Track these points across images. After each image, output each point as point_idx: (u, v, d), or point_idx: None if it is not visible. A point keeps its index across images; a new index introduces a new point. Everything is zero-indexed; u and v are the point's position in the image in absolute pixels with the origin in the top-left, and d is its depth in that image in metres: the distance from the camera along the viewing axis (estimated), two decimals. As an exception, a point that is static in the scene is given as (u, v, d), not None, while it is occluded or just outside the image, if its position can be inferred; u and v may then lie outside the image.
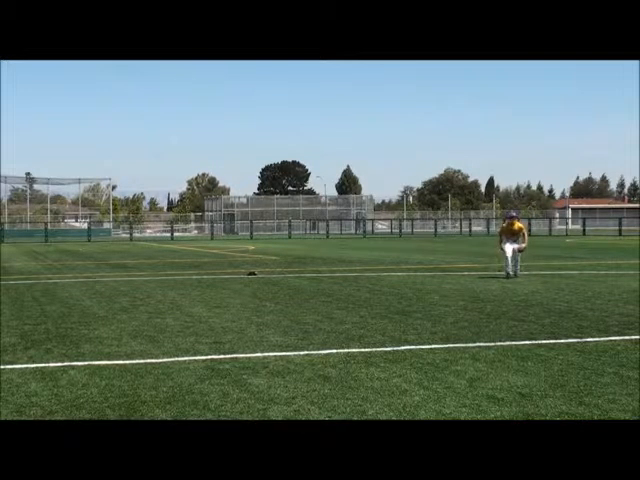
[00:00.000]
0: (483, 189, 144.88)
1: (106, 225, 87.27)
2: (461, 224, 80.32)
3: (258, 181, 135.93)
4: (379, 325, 10.75)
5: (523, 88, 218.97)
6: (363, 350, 8.79)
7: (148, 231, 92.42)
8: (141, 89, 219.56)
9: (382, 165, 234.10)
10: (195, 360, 8.27)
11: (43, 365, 8.09)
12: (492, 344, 9.11)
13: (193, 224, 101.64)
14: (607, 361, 8.04)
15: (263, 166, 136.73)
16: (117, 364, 8.07)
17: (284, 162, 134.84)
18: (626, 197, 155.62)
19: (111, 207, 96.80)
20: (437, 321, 11.08)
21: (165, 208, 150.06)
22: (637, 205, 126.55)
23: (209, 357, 8.43)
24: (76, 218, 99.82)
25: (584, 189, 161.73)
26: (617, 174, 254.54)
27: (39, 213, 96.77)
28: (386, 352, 8.65)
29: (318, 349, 8.88)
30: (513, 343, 9.19)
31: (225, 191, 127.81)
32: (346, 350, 8.79)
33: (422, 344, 9.13)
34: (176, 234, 75.23)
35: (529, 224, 71.02)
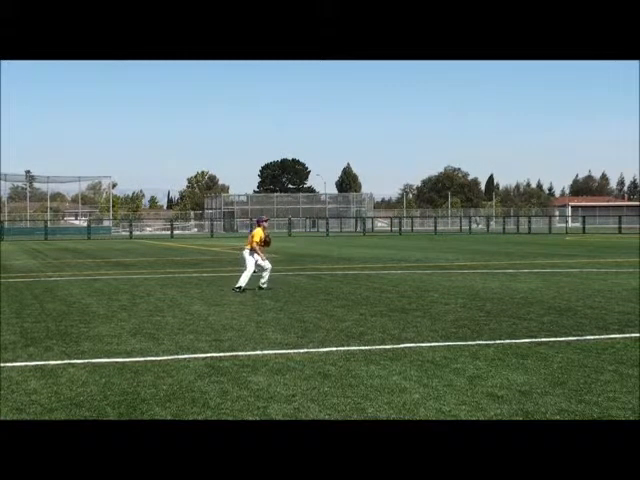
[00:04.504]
0: (483, 187, 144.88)
1: (106, 223, 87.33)
2: (461, 222, 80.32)
3: (258, 179, 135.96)
4: (379, 323, 10.76)
5: (523, 87, 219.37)
6: (363, 348, 8.80)
7: (148, 229, 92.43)
8: (141, 88, 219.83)
9: (382, 163, 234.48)
10: (195, 358, 8.28)
11: (43, 363, 8.09)
12: (492, 342, 9.12)
13: (193, 222, 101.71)
14: (607, 359, 8.05)
15: (263, 164, 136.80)
16: (117, 362, 8.08)
17: (284, 160, 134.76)
18: (626, 195, 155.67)
19: (111, 205, 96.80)
20: (437, 319, 11.09)
21: (165, 206, 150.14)
22: (637, 203, 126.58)
23: (209, 355, 8.44)
24: (76, 216, 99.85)
25: (584, 187, 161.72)
26: (617, 172, 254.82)
27: (39, 211, 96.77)
28: (386, 350, 8.66)
29: (318, 347, 8.89)
30: (513, 341, 9.20)
31: (225, 189, 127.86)
32: (346, 348, 8.80)
33: (422, 342, 9.14)
34: (176, 232, 75.27)
35: (529, 222, 70.98)
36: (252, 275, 15.80)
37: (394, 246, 39.82)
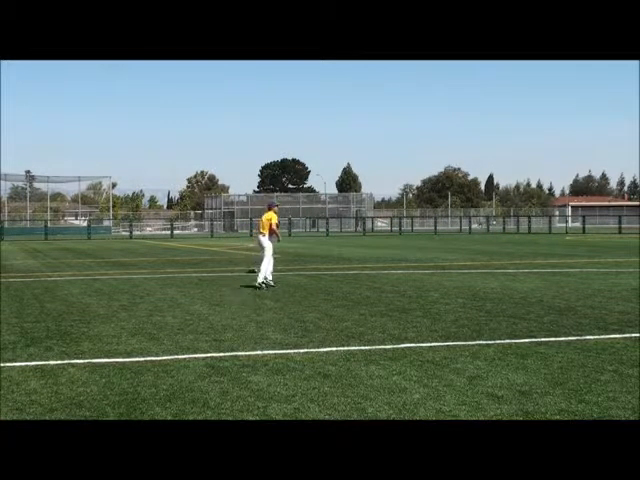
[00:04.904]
0: (483, 187, 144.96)
1: (106, 223, 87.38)
2: (461, 222, 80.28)
3: (258, 179, 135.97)
4: (379, 323, 10.76)
5: (523, 87, 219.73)
6: (363, 348, 8.80)
7: (148, 229, 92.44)
8: (141, 89, 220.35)
9: (382, 163, 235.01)
10: (195, 358, 8.28)
11: (43, 363, 8.09)
12: (492, 342, 9.12)
13: (193, 222, 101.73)
14: (607, 359, 8.05)
15: (263, 164, 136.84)
16: (117, 362, 8.08)
17: (284, 160, 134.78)
18: (626, 195, 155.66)
19: (111, 205, 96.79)
20: (437, 319, 11.08)
21: (165, 206, 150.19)
22: (637, 203, 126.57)
23: (209, 355, 8.44)
24: (76, 216, 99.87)
25: (584, 187, 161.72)
26: (617, 172, 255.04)
27: (39, 211, 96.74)
28: (386, 350, 8.65)
29: (318, 347, 8.89)
30: (513, 341, 9.19)
31: (225, 189, 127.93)
32: (346, 348, 8.80)
33: (422, 342, 9.14)
34: (176, 232, 75.29)
35: (529, 221, 70.96)
36: (250, 275, 15.87)
37: (394, 246, 39.81)
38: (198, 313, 12.05)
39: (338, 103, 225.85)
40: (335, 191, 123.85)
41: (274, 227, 16.08)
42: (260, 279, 15.71)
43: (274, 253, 16.62)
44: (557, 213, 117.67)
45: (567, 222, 79.40)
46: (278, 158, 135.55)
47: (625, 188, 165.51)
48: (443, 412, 5.97)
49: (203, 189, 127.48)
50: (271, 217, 16.20)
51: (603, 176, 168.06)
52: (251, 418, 5.86)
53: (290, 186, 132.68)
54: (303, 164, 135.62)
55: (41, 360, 8.25)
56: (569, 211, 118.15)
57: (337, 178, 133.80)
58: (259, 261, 16.16)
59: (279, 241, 16.83)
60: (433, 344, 9.01)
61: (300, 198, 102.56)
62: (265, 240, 16.09)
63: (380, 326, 10.46)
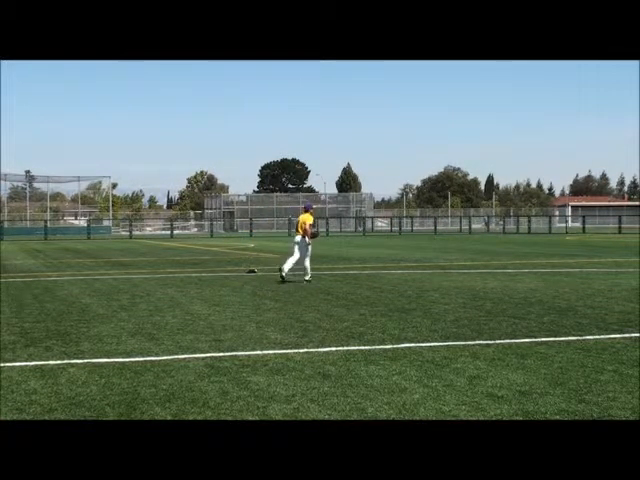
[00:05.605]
0: (483, 187, 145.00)
1: (106, 223, 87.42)
2: (461, 222, 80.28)
3: (258, 179, 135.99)
4: (379, 323, 10.76)
5: (523, 87, 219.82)
6: (363, 348, 8.80)
7: (148, 229, 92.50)
8: (141, 89, 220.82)
9: (382, 163, 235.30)
10: (195, 358, 8.28)
11: (43, 363, 8.09)
12: (492, 342, 9.12)
13: (193, 222, 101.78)
14: (607, 359, 8.05)
15: (263, 164, 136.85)
16: (117, 362, 8.08)
17: (284, 160, 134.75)
18: (626, 195, 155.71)
19: (111, 205, 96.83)
20: (437, 319, 11.09)
21: (165, 206, 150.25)
22: (637, 203, 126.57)
23: (209, 355, 8.44)
24: (76, 216, 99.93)
25: (584, 187, 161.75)
26: (617, 172, 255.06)
27: (39, 211, 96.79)
28: (386, 350, 8.65)
29: (318, 347, 8.89)
30: (513, 341, 9.19)
31: (224, 189, 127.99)
32: (346, 348, 8.80)
33: (422, 342, 9.14)
34: (176, 232, 75.33)
35: (529, 221, 70.99)
36: (250, 275, 15.96)
37: (394, 246, 39.81)
38: (198, 313, 12.05)
39: (338, 103, 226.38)
40: (335, 191, 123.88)
41: (306, 227, 17.32)
42: (308, 276, 17.10)
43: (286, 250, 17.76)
44: (557, 213, 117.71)
45: (567, 222, 79.47)
46: (278, 158, 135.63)
47: (625, 188, 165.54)
48: (443, 412, 5.97)
49: (203, 189, 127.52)
50: (306, 219, 17.44)
51: (603, 176, 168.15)
52: (251, 418, 5.86)
53: (290, 186, 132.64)
54: (303, 164, 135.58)
55: (41, 360, 8.25)
56: (569, 211, 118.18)
57: (337, 178, 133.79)
58: (302, 260, 17.35)
59: (308, 242, 17.78)
60: (433, 344, 9.01)
61: (300, 198, 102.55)
62: (302, 239, 17.38)
63: (380, 326, 10.46)
